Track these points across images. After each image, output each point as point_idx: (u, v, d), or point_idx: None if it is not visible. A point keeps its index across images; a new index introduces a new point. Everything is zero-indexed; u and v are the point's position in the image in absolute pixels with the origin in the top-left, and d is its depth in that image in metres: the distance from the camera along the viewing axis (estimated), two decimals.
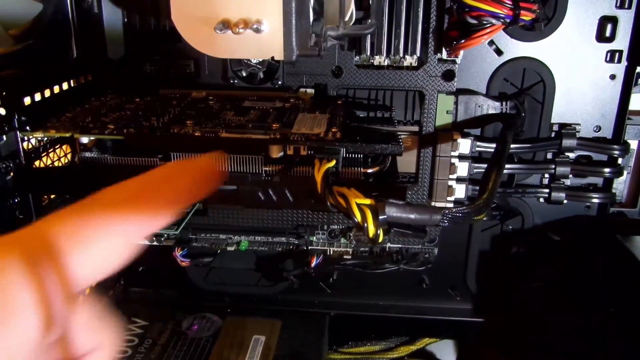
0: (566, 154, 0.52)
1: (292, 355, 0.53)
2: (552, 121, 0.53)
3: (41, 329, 0.15)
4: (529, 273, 0.58)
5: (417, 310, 0.61)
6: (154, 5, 0.53)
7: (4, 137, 0.42)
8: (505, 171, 0.51)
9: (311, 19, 0.40)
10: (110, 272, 0.19)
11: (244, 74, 0.53)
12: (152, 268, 0.61)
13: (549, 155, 0.54)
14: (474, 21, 0.44)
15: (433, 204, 0.52)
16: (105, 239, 0.18)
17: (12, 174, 0.43)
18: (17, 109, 0.43)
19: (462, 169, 0.51)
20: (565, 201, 0.53)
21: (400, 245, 0.58)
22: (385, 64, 0.52)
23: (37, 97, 0.46)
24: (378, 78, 0.52)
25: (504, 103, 0.52)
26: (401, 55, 0.51)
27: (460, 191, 0.51)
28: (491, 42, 0.52)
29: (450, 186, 0.51)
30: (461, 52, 0.50)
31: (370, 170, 0.46)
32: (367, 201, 0.31)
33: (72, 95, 0.51)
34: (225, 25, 0.38)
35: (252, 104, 0.50)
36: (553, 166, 0.52)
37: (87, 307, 0.19)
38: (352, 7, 0.45)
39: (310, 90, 0.53)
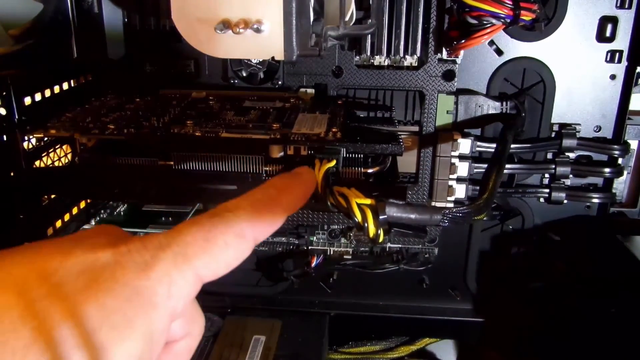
0: (566, 154, 0.52)
1: (292, 355, 0.53)
2: (552, 121, 0.53)
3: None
4: (529, 273, 0.58)
5: (417, 310, 0.61)
6: (154, 5, 0.53)
7: (4, 137, 0.42)
8: (505, 171, 0.51)
9: (311, 19, 0.40)
10: (228, 271, 0.22)
11: (244, 74, 0.53)
12: None
13: (549, 155, 0.54)
14: (474, 21, 0.44)
15: (433, 204, 0.52)
16: (233, 245, 0.22)
17: (12, 174, 0.43)
18: (17, 109, 0.43)
19: (463, 169, 0.51)
20: (565, 201, 0.53)
21: (400, 245, 0.58)
22: (386, 64, 0.52)
23: (37, 97, 0.46)
24: (378, 78, 0.52)
25: (504, 103, 0.52)
26: (401, 55, 0.51)
27: (460, 191, 0.51)
28: (491, 42, 0.52)
29: (451, 186, 0.51)
30: (461, 52, 0.49)
31: (370, 170, 0.46)
32: (368, 201, 0.31)
33: (72, 95, 0.51)
34: (226, 25, 0.38)
35: (252, 104, 0.50)
36: (553, 166, 0.52)
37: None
38: (353, 7, 0.45)
39: (311, 90, 0.53)
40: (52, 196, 0.49)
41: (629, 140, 0.53)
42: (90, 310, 0.17)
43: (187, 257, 0.20)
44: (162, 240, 0.20)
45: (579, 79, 0.52)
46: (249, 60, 0.52)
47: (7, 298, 0.17)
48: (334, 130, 0.42)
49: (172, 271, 0.20)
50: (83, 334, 0.17)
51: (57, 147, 0.50)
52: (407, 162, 0.53)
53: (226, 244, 0.21)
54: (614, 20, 0.50)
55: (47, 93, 0.47)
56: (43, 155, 0.48)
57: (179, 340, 0.23)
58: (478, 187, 0.40)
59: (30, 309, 0.17)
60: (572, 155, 0.52)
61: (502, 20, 0.43)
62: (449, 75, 0.50)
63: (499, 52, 0.52)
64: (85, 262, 0.19)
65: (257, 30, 0.38)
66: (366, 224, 0.31)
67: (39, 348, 0.16)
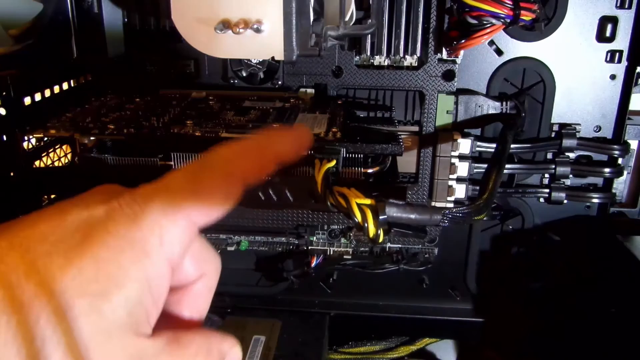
0: (566, 154, 0.52)
1: (292, 355, 0.53)
2: (552, 121, 0.53)
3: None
4: (529, 273, 0.58)
5: (417, 310, 0.61)
6: (154, 5, 0.53)
7: (4, 137, 0.42)
8: (505, 171, 0.51)
9: (311, 19, 0.40)
10: (221, 214, 0.22)
11: (244, 74, 0.53)
12: None
13: (549, 155, 0.54)
14: (474, 21, 0.44)
15: (433, 204, 0.52)
16: (221, 185, 0.22)
17: (12, 174, 0.43)
18: (17, 109, 0.43)
19: (462, 169, 0.51)
20: (565, 201, 0.53)
21: (400, 245, 0.58)
22: (386, 64, 0.52)
23: (37, 97, 0.46)
24: (378, 78, 0.52)
25: (504, 103, 0.52)
26: (401, 55, 0.51)
27: (460, 191, 0.51)
28: (491, 42, 0.52)
29: (451, 186, 0.51)
30: (461, 52, 0.50)
31: (370, 170, 0.46)
32: (368, 201, 0.31)
33: (72, 95, 0.51)
34: (226, 25, 0.38)
35: (252, 104, 0.50)
36: (553, 166, 0.52)
37: (195, 240, 0.23)
38: (353, 7, 0.45)
39: (311, 90, 0.53)
40: (52, 196, 0.49)
41: (629, 140, 0.53)
42: (86, 262, 0.19)
43: (175, 203, 0.21)
44: (149, 190, 0.21)
45: (579, 79, 0.52)
46: (249, 60, 0.52)
47: (13, 259, 0.18)
48: (334, 130, 0.42)
49: (162, 219, 0.20)
50: (82, 285, 0.18)
51: (57, 147, 0.50)
52: (407, 162, 0.53)
53: (214, 185, 0.22)
54: (614, 20, 0.50)
55: (47, 93, 0.47)
56: (43, 155, 0.48)
57: (196, 281, 0.24)
58: (478, 187, 0.40)
59: (33, 268, 0.18)
60: (572, 155, 0.52)
61: (502, 20, 0.43)
62: (449, 75, 0.50)
63: (499, 52, 0.52)
64: (81, 219, 0.20)
65: (257, 30, 0.38)
66: (366, 224, 0.31)
67: (41, 302, 0.17)
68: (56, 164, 0.49)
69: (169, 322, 0.23)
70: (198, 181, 0.22)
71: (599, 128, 0.53)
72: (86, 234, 0.19)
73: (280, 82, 0.53)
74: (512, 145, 0.49)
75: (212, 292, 0.25)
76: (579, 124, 0.53)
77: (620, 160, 0.53)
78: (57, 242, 0.19)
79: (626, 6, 0.49)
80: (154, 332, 0.20)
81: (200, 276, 0.24)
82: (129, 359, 0.19)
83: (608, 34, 0.50)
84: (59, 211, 0.20)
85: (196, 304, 0.24)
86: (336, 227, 0.56)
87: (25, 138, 0.44)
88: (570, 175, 0.52)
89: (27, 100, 0.44)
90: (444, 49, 0.50)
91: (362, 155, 0.46)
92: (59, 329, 0.18)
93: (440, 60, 0.50)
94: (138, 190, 0.21)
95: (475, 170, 0.51)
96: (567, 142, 0.51)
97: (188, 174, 0.22)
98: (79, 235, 0.19)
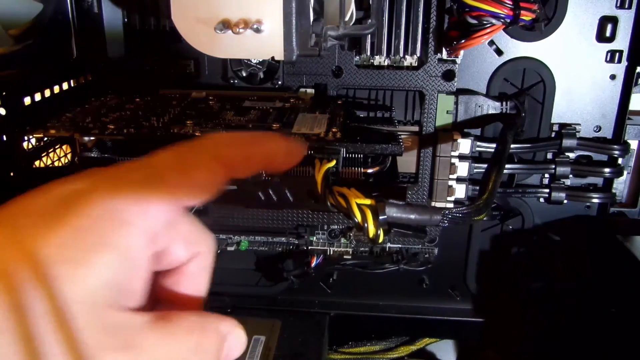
0: (566, 154, 0.52)
1: (292, 355, 0.53)
2: (552, 121, 0.53)
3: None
4: (529, 273, 0.58)
5: (417, 310, 0.61)
6: (154, 5, 0.53)
7: (4, 137, 0.42)
8: (505, 171, 0.51)
9: (311, 19, 0.40)
10: (206, 197, 0.22)
11: (244, 74, 0.53)
12: None
13: (549, 155, 0.54)
14: (474, 21, 0.44)
15: (433, 204, 0.52)
16: (207, 166, 0.22)
17: (12, 174, 0.43)
18: (17, 109, 0.43)
19: (462, 169, 0.51)
20: (565, 201, 0.53)
21: (400, 245, 0.58)
22: (386, 64, 0.52)
23: (37, 97, 0.46)
24: (378, 78, 0.52)
25: (504, 103, 0.52)
26: (401, 55, 0.51)
27: (460, 191, 0.51)
28: (491, 42, 0.52)
29: (451, 186, 0.51)
30: (461, 52, 0.50)
31: (370, 171, 0.46)
32: (368, 201, 0.31)
33: (72, 95, 0.51)
34: (226, 25, 0.38)
35: (252, 104, 0.50)
36: (553, 166, 0.52)
37: (183, 222, 0.23)
38: (352, 7, 0.45)
39: (310, 90, 0.53)
40: None
41: (629, 140, 0.53)
42: (67, 230, 0.19)
43: (158, 177, 0.21)
44: (135, 164, 0.21)
45: (579, 79, 0.52)
46: (248, 60, 0.52)
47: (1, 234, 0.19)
48: (333, 130, 0.42)
49: (144, 192, 0.20)
50: (63, 252, 0.19)
51: (57, 147, 0.50)
52: (407, 162, 0.53)
53: (199, 165, 0.22)
54: (614, 20, 0.50)
55: (47, 93, 0.47)
56: (43, 155, 0.48)
57: (189, 262, 0.24)
58: (478, 187, 0.40)
59: (17, 239, 0.19)
60: (572, 155, 0.52)
61: (502, 20, 0.43)
62: (449, 75, 0.50)
63: (499, 52, 0.52)
64: (64, 192, 0.20)
65: (257, 30, 0.38)
66: (366, 224, 0.31)
67: (24, 268, 0.18)
68: (56, 164, 0.49)
69: (169, 306, 0.23)
70: (183, 159, 0.22)
71: (599, 128, 0.53)
72: (69, 204, 0.20)
73: (280, 82, 0.53)
74: (512, 145, 0.49)
75: (208, 271, 0.25)
76: (579, 124, 0.53)
77: (620, 160, 0.53)
78: (41, 214, 0.20)
79: (626, 6, 0.49)
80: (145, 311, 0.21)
81: (193, 256, 0.24)
82: (107, 328, 0.19)
83: (608, 34, 0.50)
84: (45, 188, 0.21)
85: (193, 284, 0.24)
86: (336, 227, 0.56)
87: (25, 138, 0.44)
88: (570, 175, 0.52)
89: (27, 100, 0.44)
90: (444, 49, 0.50)
91: (362, 155, 0.46)
92: (45, 295, 0.18)
93: (440, 60, 0.50)
94: (123, 165, 0.22)
95: (475, 170, 0.51)
96: (567, 142, 0.51)
97: (175, 152, 0.22)
98: (62, 207, 0.20)
